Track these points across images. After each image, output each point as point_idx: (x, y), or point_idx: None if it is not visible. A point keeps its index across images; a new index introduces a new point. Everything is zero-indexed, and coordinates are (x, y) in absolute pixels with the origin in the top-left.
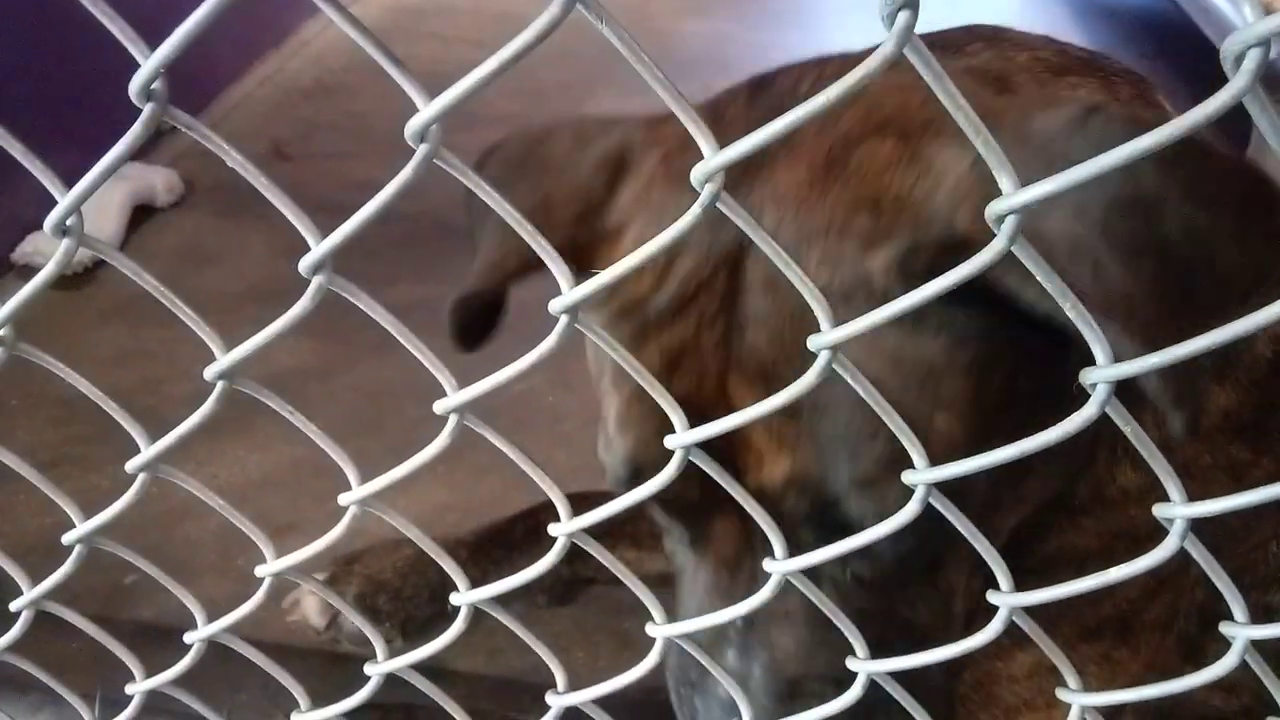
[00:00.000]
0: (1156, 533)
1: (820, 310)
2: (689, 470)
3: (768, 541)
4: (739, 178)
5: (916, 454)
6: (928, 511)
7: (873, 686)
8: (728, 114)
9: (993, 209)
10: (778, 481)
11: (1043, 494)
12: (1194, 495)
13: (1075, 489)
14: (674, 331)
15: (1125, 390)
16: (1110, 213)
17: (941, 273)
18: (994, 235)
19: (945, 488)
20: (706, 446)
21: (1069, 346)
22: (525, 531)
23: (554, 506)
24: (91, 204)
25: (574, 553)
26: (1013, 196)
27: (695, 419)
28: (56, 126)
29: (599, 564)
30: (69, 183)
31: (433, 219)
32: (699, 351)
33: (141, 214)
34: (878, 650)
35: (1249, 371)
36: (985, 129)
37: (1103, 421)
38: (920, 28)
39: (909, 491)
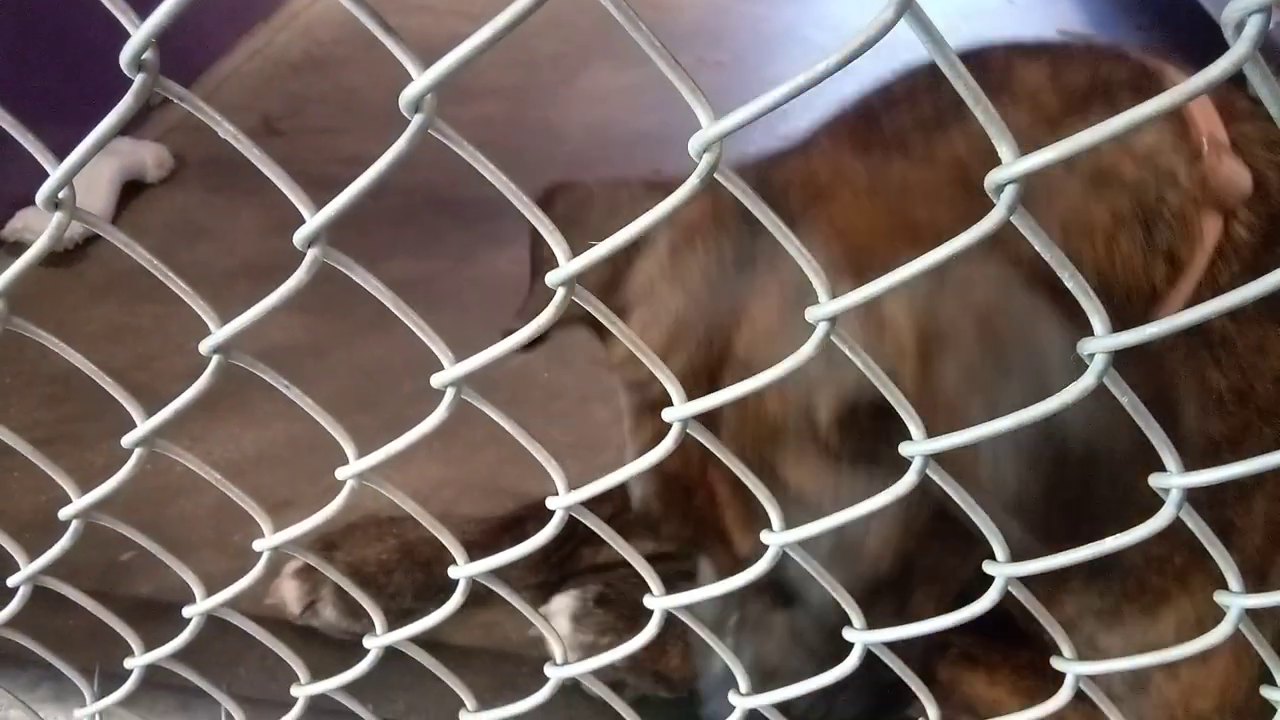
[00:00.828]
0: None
1: (816, 279)
2: (678, 511)
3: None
4: (803, 197)
5: (913, 424)
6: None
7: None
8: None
9: (992, 178)
10: (746, 553)
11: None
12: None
13: None
14: (666, 308)
15: None
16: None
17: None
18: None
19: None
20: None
21: None
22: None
23: (538, 517)
24: (81, 180)
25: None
26: (1012, 165)
27: (681, 497)
28: (47, 101)
29: (584, 559)
30: (60, 156)
31: (427, 194)
32: (695, 337)
33: (132, 190)
34: (838, 648)
35: (1233, 346)
36: (984, 96)
37: None
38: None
39: (840, 569)
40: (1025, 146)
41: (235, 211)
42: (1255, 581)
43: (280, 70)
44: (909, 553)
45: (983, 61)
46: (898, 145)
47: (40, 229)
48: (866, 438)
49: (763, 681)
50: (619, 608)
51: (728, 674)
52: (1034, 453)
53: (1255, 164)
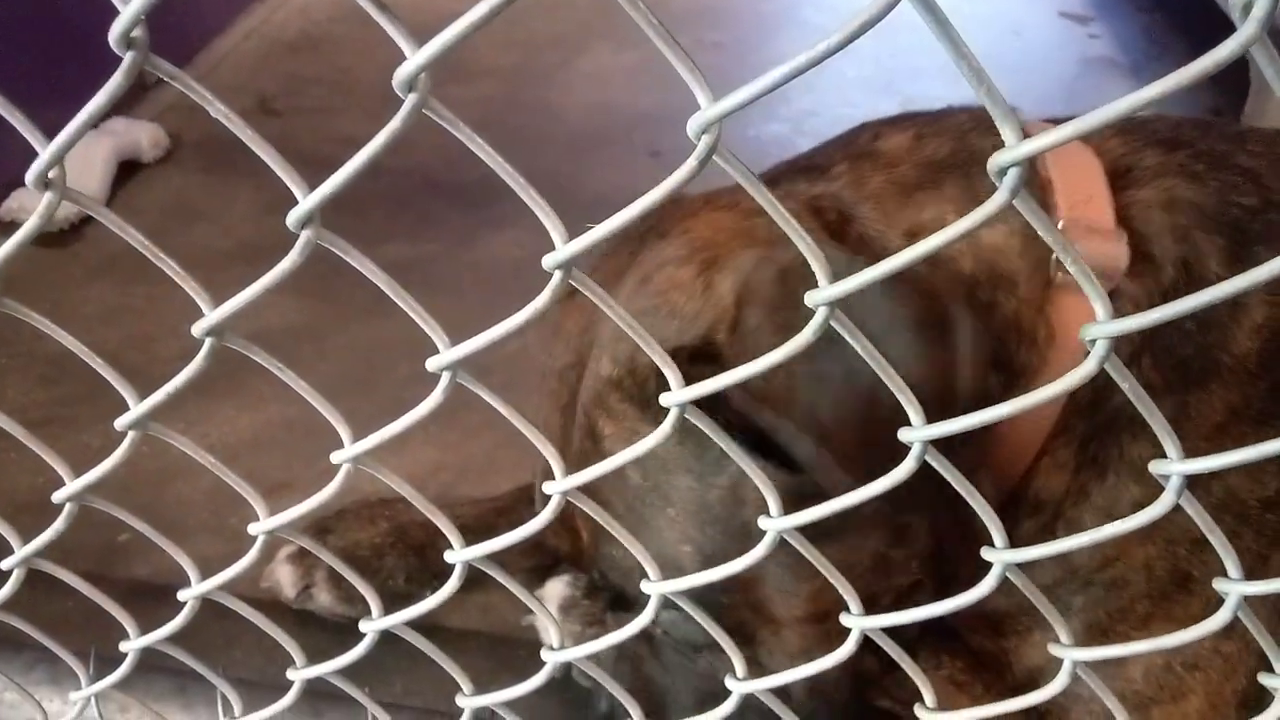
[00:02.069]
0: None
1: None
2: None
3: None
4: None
5: (911, 408)
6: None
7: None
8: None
9: (995, 161)
10: (588, 547)
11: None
12: (1243, 488)
13: (1082, 519)
14: (542, 400)
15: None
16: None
17: (697, 377)
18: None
19: None
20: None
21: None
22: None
23: (533, 500)
24: (76, 160)
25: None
26: (1017, 148)
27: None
28: (39, 80)
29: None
30: (52, 137)
31: (422, 176)
32: (553, 425)
33: (127, 170)
34: (699, 707)
35: (1238, 367)
36: (987, 76)
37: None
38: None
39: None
40: (879, 213)
41: (231, 192)
42: (1224, 627)
43: (276, 50)
44: (713, 551)
45: (855, 133)
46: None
47: (35, 209)
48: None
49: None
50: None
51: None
52: (843, 388)
53: (1148, 231)
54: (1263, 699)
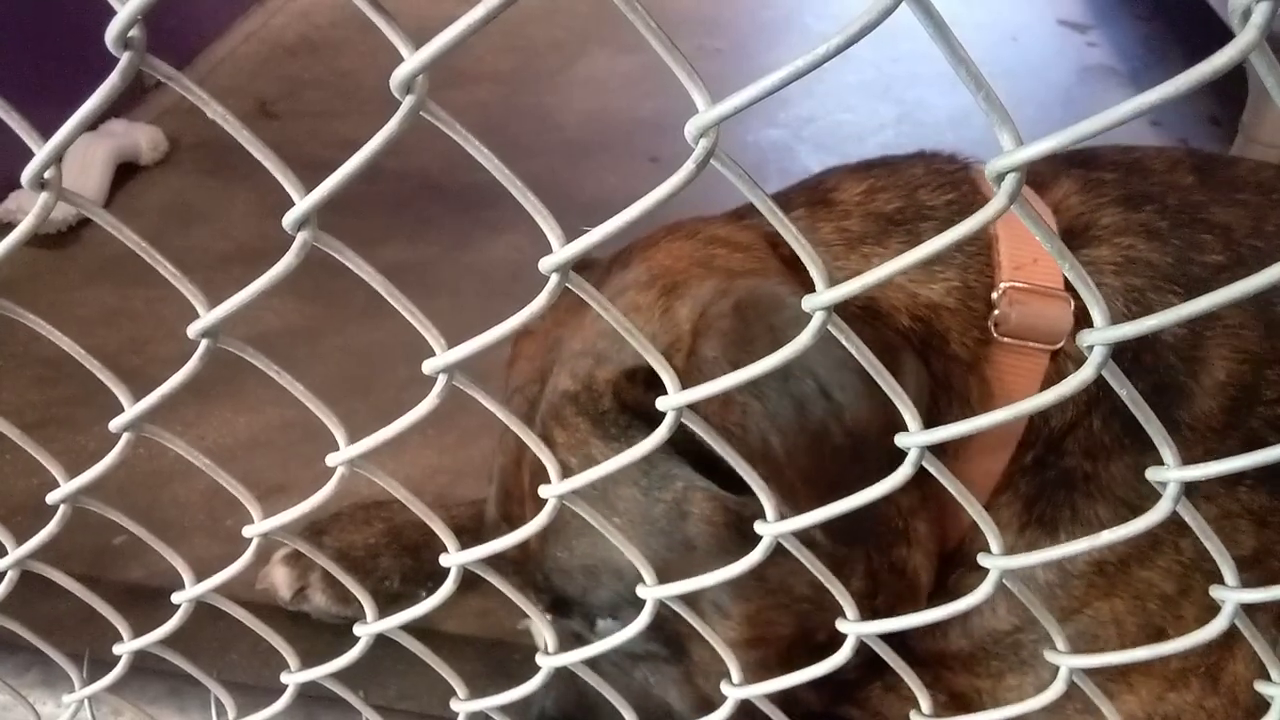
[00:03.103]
0: None
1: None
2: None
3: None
4: (565, 318)
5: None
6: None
7: None
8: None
9: (993, 166)
10: (534, 549)
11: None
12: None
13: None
14: (510, 408)
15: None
16: (780, 385)
17: (653, 395)
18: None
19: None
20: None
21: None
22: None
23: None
24: (75, 161)
25: None
26: (1015, 154)
27: (504, 490)
28: (37, 81)
29: None
30: (50, 138)
31: (421, 179)
32: (512, 438)
33: (126, 172)
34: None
35: (1201, 424)
36: (985, 82)
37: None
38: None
39: (610, 587)
40: (830, 261)
41: (230, 194)
42: (1209, 682)
43: (276, 53)
44: (660, 562)
45: (820, 178)
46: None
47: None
48: (636, 402)
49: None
50: None
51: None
52: (794, 423)
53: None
54: None
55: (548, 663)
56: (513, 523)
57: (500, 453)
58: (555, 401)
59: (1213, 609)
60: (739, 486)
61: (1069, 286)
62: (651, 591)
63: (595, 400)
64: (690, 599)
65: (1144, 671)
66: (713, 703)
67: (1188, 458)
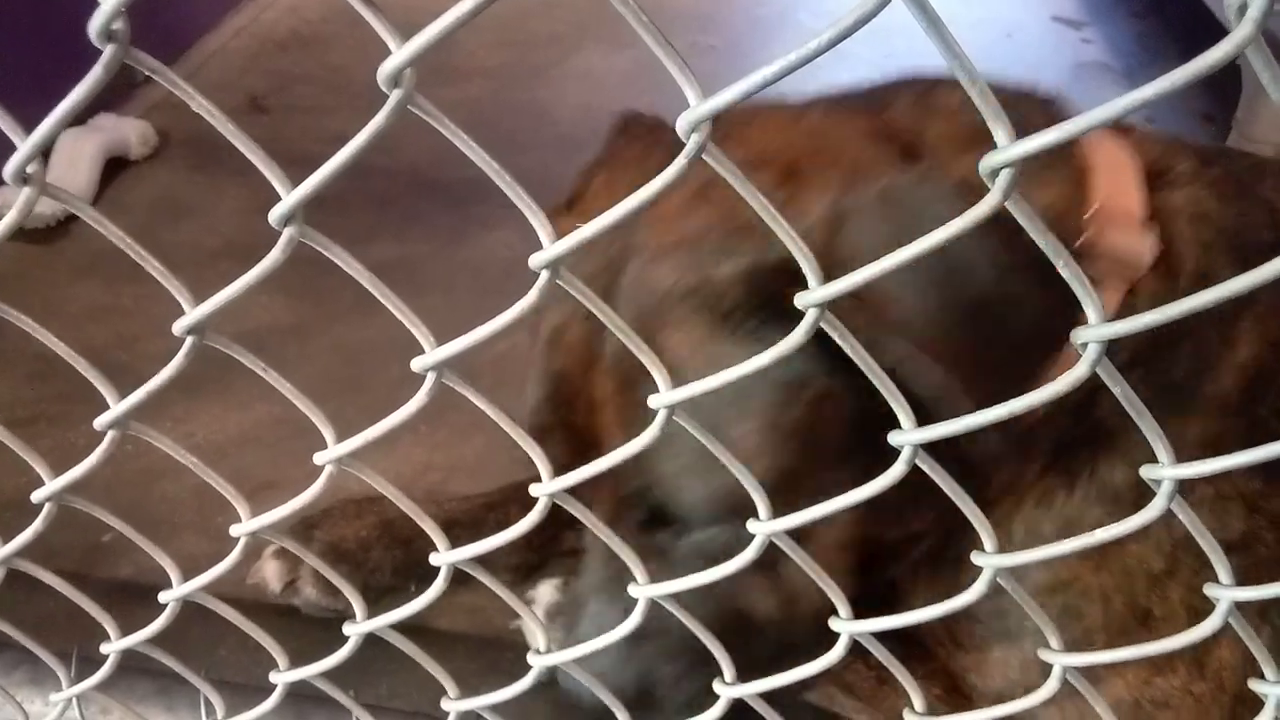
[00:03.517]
0: None
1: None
2: (562, 420)
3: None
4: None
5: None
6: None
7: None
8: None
9: (987, 163)
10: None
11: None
12: (1209, 529)
13: (1041, 525)
14: (561, 310)
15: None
16: (941, 278)
17: (784, 293)
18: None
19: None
20: (579, 435)
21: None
22: (496, 523)
23: (521, 499)
24: (64, 156)
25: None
26: (1008, 149)
27: (566, 398)
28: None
29: (566, 542)
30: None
31: (409, 175)
32: (575, 338)
33: (115, 167)
34: (720, 633)
35: (1218, 401)
36: (980, 77)
37: None
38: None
39: (709, 486)
40: (942, 154)
41: (219, 190)
42: (1195, 667)
43: (266, 48)
44: (788, 467)
45: (909, 81)
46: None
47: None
48: (768, 300)
49: (635, 643)
50: None
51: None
52: (942, 296)
53: (1173, 236)
54: None
55: (539, 661)
56: (576, 431)
57: (552, 356)
58: (657, 300)
59: (1198, 590)
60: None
61: (1156, 216)
62: (765, 526)
63: (717, 298)
64: (798, 498)
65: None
66: (799, 602)
67: (1205, 432)
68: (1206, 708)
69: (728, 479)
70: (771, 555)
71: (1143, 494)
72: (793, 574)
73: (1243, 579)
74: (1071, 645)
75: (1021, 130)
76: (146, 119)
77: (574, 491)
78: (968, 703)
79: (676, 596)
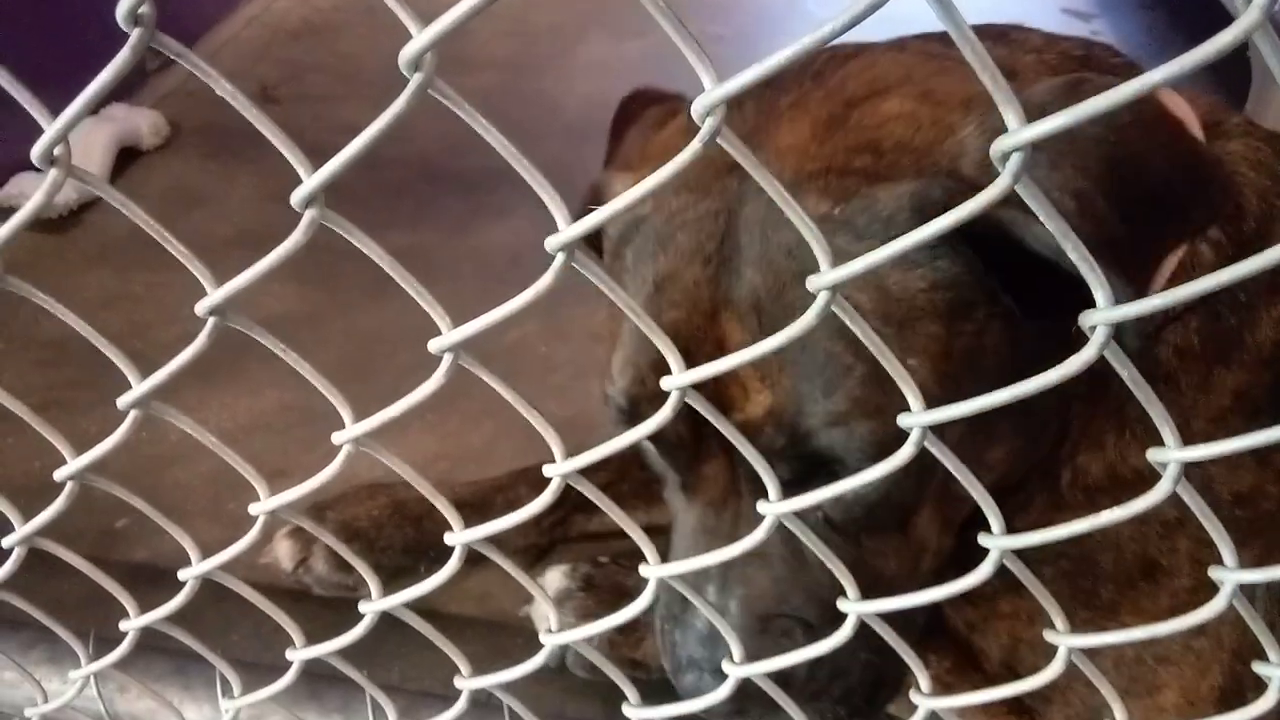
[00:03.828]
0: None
1: (819, 249)
2: (680, 410)
3: (752, 483)
4: (745, 139)
5: (912, 396)
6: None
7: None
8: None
9: (998, 146)
10: (759, 415)
11: (1008, 465)
12: (1219, 478)
13: (1089, 469)
14: (668, 258)
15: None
16: (1105, 169)
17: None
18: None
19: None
20: (696, 385)
21: (1042, 319)
22: (504, 504)
23: (532, 483)
24: (77, 146)
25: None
26: (1020, 132)
27: (683, 351)
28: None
29: (576, 526)
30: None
31: (421, 165)
32: (690, 283)
33: (127, 157)
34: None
35: (1255, 352)
36: (994, 65)
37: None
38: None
39: (877, 429)
40: (1033, 81)
41: (231, 179)
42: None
43: (278, 37)
44: (952, 398)
45: (984, 27)
46: None
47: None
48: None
49: (752, 636)
50: (603, 594)
51: (707, 639)
52: (1125, 197)
53: (1238, 182)
54: (1246, 697)
55: (551, 640)
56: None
57: (662, 309)
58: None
59: (1205, 542)
60: (1034, 309)
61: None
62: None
63: (883, 223)
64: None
65: (1134, 612)
66: (924, 558)
67: (1238, 382)
68: (1208, 664)
69: (875, 417)
70: (910, 506)
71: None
72: (923, 530)
73: (1245, 533)
74: (1082, 596)
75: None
76: (158, 109)
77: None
78: (980, 678)
79: (814, 566)
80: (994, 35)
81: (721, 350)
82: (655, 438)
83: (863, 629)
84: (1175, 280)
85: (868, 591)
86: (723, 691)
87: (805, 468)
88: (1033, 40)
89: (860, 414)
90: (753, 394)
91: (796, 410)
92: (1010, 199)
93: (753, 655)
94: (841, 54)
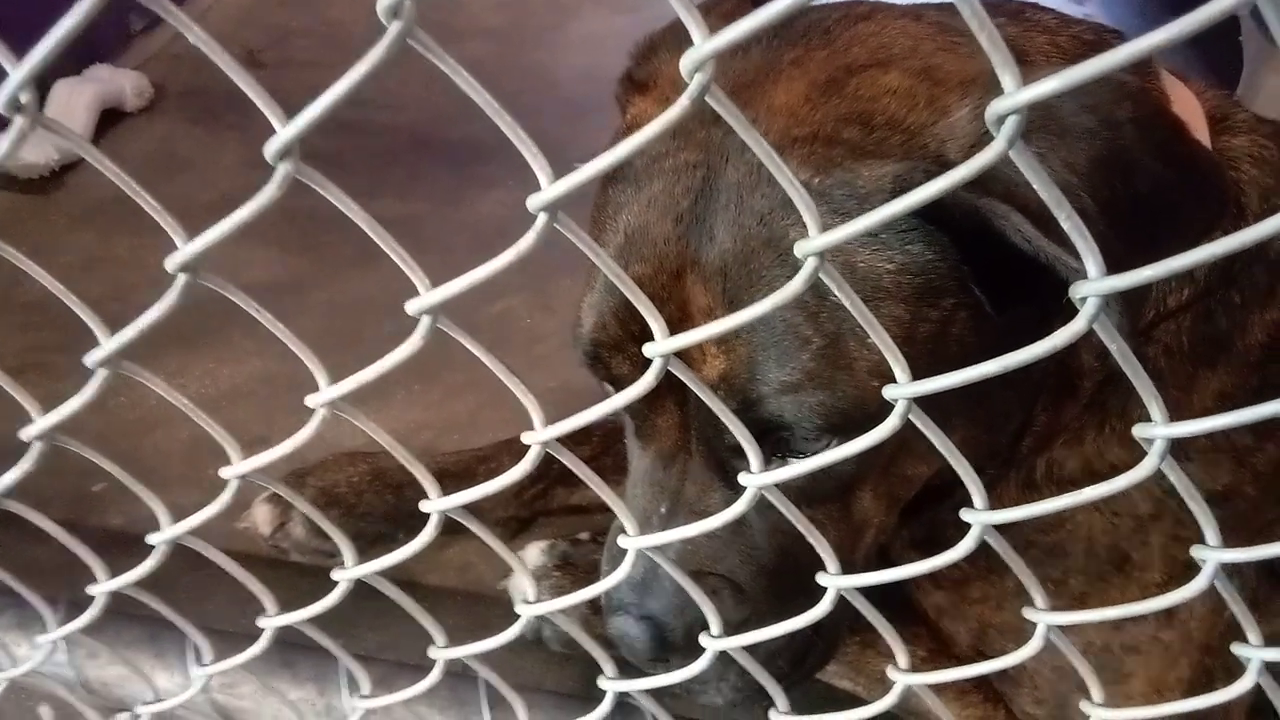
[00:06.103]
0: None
1: (809, 216)
2: (639, 363)
3: (705, 444)
4: (739, 93)
5: (899, 369)
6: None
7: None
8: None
9: (994, 108)
10: (713, 379)
11: (963, 452)
12: (1197, 476)
13: (1065, 463)
14: (641, 208)
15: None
16: (1094, 166)
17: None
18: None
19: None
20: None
21: (1010, 309)
22: (487, 474)
23: (516, 454)
24: (58, 105)
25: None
26: (1016, 94)
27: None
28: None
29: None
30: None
31: (410, 134)
32: (660, 239)
33: (110, 118)
34: (781, 562)
35: (1243, 356)
36: (996, 32)
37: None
38: None
39: (826, 401)
40: (1043, 67)
41: (216, 143)
42: (1164, 615)
43: (264, 2)
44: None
45: (999, 2)
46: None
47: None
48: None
49: (683, 590)
50: (579, 572)
51: (638, 585)
52: (1112, 197)
53: (1239, 178)
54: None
55: (528, 611)
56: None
57: (628, 260)
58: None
59: (1179, 539)
60: (1003, 306)
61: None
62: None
63: (859, 200)
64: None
65: (1104, 603)
66: (863, 534)
67: (1224, 384)
68: (1175, 656)
69: (850, 389)
70: (852, 479)
71: None
72: (866, 504)
73: (1221, 531)
74: (1048, 585)
75: None
76: (142, 71)
77: (648, 405)
78: (952, 663)
79: (754, 531)
80: (1009, 12)
81: (684, 310)
82: (614, 381)
83: (791, 600)
84: (1174, 281)
85: (806, 561)
86: (644, 636)
87: (752, 432)
88: (1046, 20)
89: (811, 385)
90: (709, 358)
91: (749, 377)
92: (995, 180)
93: (677, 607)
94: (855, 13)
